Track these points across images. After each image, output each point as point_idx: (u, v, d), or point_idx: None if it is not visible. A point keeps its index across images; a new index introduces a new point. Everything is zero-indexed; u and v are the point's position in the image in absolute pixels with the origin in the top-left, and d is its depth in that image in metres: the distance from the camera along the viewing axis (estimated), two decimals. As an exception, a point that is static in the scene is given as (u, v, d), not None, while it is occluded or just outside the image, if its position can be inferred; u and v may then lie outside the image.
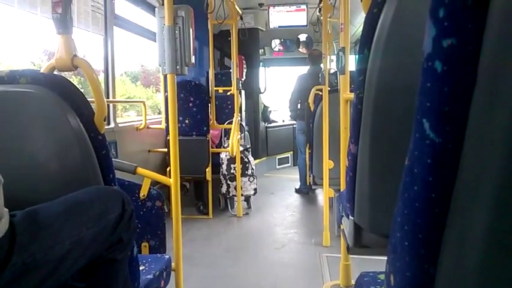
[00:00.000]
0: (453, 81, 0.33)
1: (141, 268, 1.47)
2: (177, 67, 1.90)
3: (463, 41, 0.32)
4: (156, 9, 2.02)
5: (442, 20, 0.33)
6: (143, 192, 1.87)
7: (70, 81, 1.19)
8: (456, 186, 0.36)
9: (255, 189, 4.07)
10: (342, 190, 2.16)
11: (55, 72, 1.33)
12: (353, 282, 2.29)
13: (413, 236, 0.40)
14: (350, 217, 1.22)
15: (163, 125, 3.90)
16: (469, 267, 0.35)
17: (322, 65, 4.64)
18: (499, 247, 0.33)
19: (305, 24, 5.52)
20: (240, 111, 4.45)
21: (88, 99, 1.21)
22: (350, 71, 2.21)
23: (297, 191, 4.83)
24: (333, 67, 3.81)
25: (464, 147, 0.35)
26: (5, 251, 0.86)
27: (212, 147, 3.87)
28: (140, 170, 1.84)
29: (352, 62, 3.20)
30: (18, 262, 0.87)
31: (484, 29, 0.31)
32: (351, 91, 2.17)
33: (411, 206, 0.39)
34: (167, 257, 1.68)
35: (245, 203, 4.10)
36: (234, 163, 3.91)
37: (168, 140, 3.40)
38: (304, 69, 4.80)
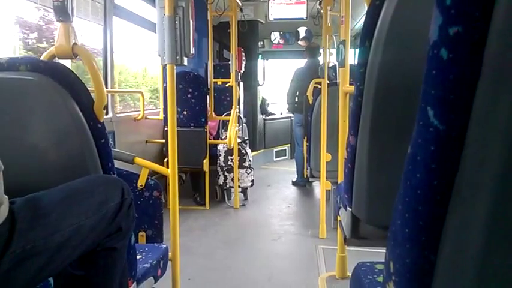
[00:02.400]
0: (459, 69, 0.34)
1: (138, 257, 1.48)
2: (177, 57, 1.89)
3: (469, 29, 0.32)
4: (156, -1, 2.01)
5: (449, 7, 0.33)
6: (141, 182, 1.87)
7: (70, 69, 1.19)
8: (459, 174, 0.36)
9: (252, 181, 4.08)
10: (339, 182, 2.18)
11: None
12: (349, 274, 2.31)
13: (414, 223, 0.40)
14: (348, 208, 1.22)
15: (161, 116, 3.90)
16: (469, 254, 0.35)
17: (319, 58, 4.66)
18: (500, 235, 0.33)
19: (305, 17, 5.51)
20: (238, 103, 4.45)
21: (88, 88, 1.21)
22: (350, 64, 2.22)
23: (293, 183, 4.84)
24: (331, 60, 3.81)
25: (468, 135, 0.35)
26: (5, 238, 0.86)
27: (210, 139, 3.87)
28: (138, 160, 1.84)
29: (351, 56, 3.20)
30: (17, 249, 0.87)
31: (491, 17, 0.31)
32: (350, 84, 2.17)
33: (413, 193, 0.40)
34: (164, 246, 1.69)
35: (242, 194, 4.11)
36: (232, 155, 3.92)
37: (166, 130, 3.41)
38: (303, 62, 4.80)
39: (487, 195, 0.33)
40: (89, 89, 1.22)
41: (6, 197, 0.89)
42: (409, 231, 0.41)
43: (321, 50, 4.72)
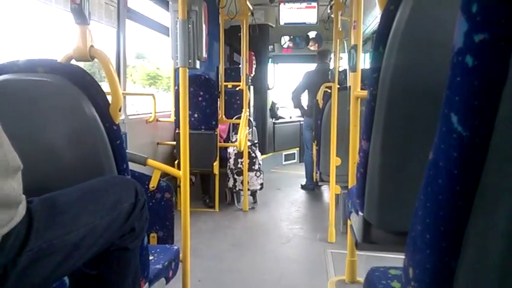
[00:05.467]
0: (484, 76, 0.34)
1: (150, 258, 1.49)
2: (189, 61, 1.91)
3: (495, 36, 0.33)
4: (170, 2, 2.04)
5: (475, 15, 0.33)
6: (153, 184, 1.88)
7: (86, 71, 1.20)
8: (482, 180, 0.37)
9: (262, 184, 4.08)
10: (349, 187, 2.17)
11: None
12: (358, 278, 2.30)
13: (435, 229, 0.40)
14: (359, 213, 1.22)
15: (172, 118, 3.92)
16: (491, 260, 0.35)
17: (328, 62, 4.67)
18: None
19: (315, 21, 5.51)
20: (249, 107, 4.47)
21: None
22: (361, 69, 2.22)
23: (302, 187, 4.84)
24: (341, 65, 3.81)
25: (492, 142, 0.35)
26: (22, 236, 0.87)
27: (220, 142, 3.88)
28: (151, 162, 1.86)
29: (362, 60, 3.18)
30: (34, 247, 0.89)
31: None
32: (361, 89, 2.17)
33: (434, 199, 0.40)
34: (176, 247, 1.70)
35: (251, 197, 4.11)
36: (242, 158, 3.93)
37: (177, 133, 3.43)
38: (313, 67, 4.80)
39: (510, 201, 0.33)
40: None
41: (24, 196, 0.91)
42: (429, 237, 0.41)
43: (332, 55, 4.74)
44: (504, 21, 0.32)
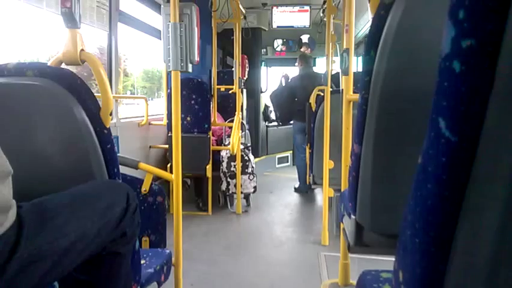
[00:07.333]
0: (471, 82, 0.34)
1: (142, 262, 1.48)
2: (181, 64, 1.91)
3: (482, 42, 0.33)
4: (161, 6, 2.04)
5: (462, 20, 0.33)
6: (145, 188, 1.87)
7: (77, 75, 1.19)
8: (470, 185, 0.37)
9: (255, 187, 4.08)
10: (342, 190, 2.18)
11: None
12: (351, 281, 2.30)
13: (425, 234, 0.40)
14: (352, 216, 1.23)
15: (164, 122, 3.92)
16: (479, 265, 0.35)
17: (312, 67, 4.71)
18: (510, 246, 0.34)
19: (308, 25, 5.53)
20: (242, 110, 4.46)
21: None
22: (353, 72, 2.23)
23: (296, 190, 4.84)
24: (333, 68, 3.83)
25: (480, 147, 0.35)
26: (12, 242, 0.86)
27: (213, 145, 3.88)
28: (143, 165, 1.85)
29: (354, 64, 3.20)
30: (24, 253, 0.87)
31: (504, 30, 0.32)
32: (353, 92, 2.18)
33: (423, 203, 0.40)
34: (168, 251, 1.69)
35: (244, 200, 4.11)
36: (234, 161, 3.92)
37: (170, 136, 3.42)
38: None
39: (497, 206, 0.33)
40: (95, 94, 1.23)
41: (14, 201, 0.90)
42: (419, 241, 0.41)
43: (324, 58, 4.77)
44: (491, 27, 0.32)
